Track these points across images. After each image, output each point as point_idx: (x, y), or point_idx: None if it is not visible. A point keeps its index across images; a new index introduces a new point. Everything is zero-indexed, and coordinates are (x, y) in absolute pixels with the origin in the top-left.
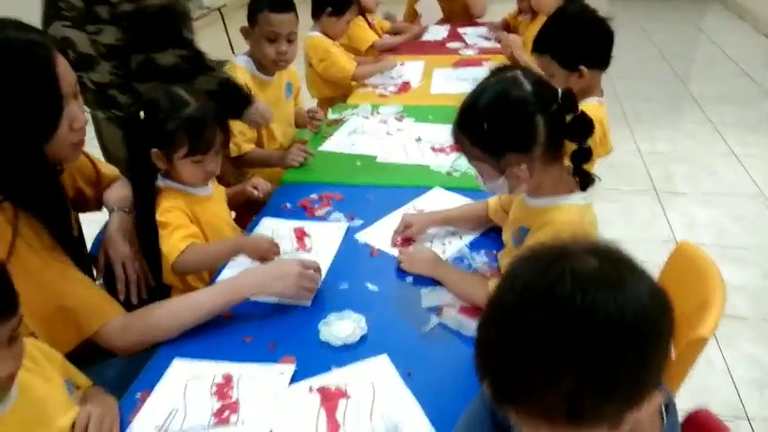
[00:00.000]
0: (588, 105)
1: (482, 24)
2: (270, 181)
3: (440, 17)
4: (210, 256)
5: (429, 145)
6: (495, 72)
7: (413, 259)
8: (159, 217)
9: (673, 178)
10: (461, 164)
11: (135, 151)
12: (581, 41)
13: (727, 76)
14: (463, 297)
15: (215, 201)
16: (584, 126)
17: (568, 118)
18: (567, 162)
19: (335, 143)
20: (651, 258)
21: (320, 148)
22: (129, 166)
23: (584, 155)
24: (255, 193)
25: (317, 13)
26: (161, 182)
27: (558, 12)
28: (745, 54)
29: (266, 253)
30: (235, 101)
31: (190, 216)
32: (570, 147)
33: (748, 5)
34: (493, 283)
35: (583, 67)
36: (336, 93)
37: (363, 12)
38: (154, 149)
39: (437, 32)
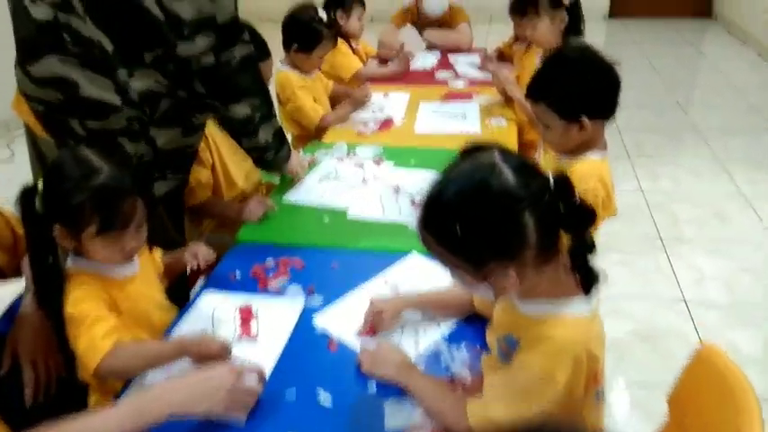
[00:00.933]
0: (589, 161)
1: (476, 51)
2: (223, 241)
3: (423, 47)
4: (145, 359)
5: (408, 196)
6: (467, 153)
7: (375, 360)
8: (70, 309)
9: (678, 223)
10: None
11: (33, 228)
12: (582, 89)
13: (730, 105)
14: (433, 415)
15: (141, 280)
16: (584, 216)
17: (563, 207)
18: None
19: (304, 191)
20: (659, 324)
21: (286, 197)
22: (27, 246)
23: (585, 249)
24: (194, 263)
25: (287, 44)
26: (71, 262)
27: (556, 54)
28: (749, 82)
29: (215, 358)
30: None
31: (108, 303)
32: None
33: (751, 30)
34: (472, 408)
35: (584, 118)
36: (311, 130)
37: (347, 37)
38: (57, 226)
39: (425, 59)
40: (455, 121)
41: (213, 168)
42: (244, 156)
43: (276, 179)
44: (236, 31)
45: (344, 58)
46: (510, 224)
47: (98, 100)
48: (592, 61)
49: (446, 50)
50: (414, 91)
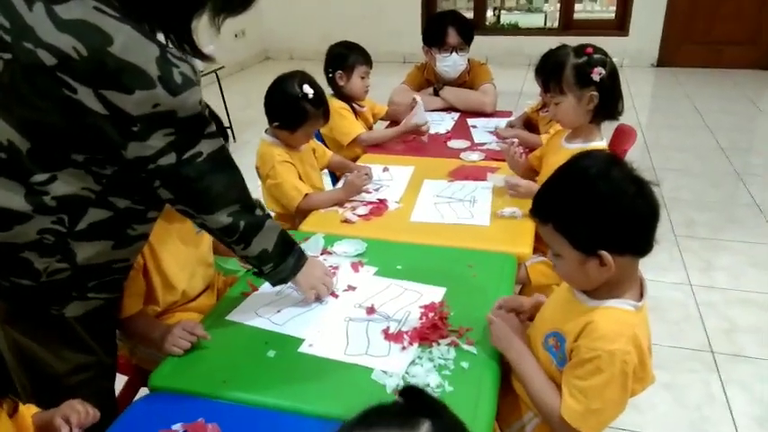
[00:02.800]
0: (616, 313)
1: (500, 114)
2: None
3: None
4: None
5: (382, 324)
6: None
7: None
8: None
9: (736, 340)
10: (418, 373)
11: None
12: (599, 221)
13: None
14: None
15: None
16: None
17: None
18: None
19: (251, 309)
20: None
21: (229, 318)
22: None
23: None
24: (66, 429)
25: (269, 117)
26: None
27: (570, 165)
28: None
29: None
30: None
31: None
32: None
33: None
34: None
35: (605, 254)
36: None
37: (349, 98)
38: None
39: (441, 122)
40: (460, 208)
41: (145, 270)
42: (195, 243)
43: (241, 270)
44: (201, 123)
45: (343, 122)
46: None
47: None
48: (617, 184)
49: (465, 113)
50: (419, 164)
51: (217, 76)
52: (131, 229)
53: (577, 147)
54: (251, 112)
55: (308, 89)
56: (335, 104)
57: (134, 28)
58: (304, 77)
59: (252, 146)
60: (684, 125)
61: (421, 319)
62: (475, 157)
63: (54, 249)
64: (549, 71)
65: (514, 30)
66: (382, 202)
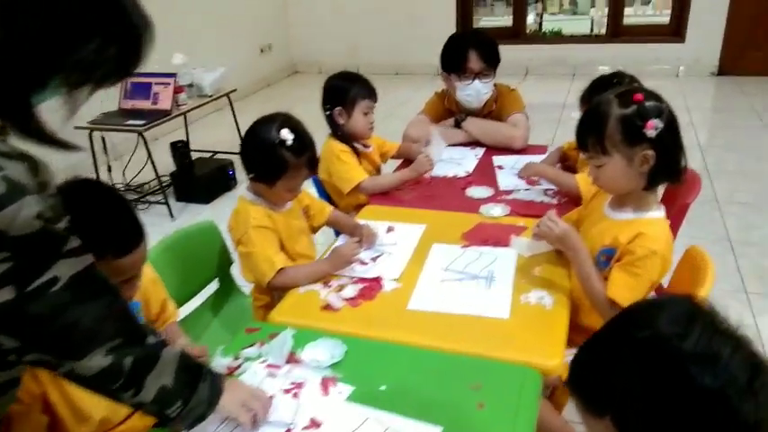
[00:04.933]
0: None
1: (532, 151)
2: None
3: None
4: None
5: None
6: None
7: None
8: None
9: None
10: None
11: None
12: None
13: None
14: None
15: None
16: None
17: None
18: None
19: None
20: None
21: None
22: None
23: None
24: None
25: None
26: None
27: (612, 338)
28: None
29: None
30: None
31: None
32: None
33: None
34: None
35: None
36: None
37: (350, 139)
38: None
39: (462, 160)
40: (474, 289)
41: (47, 404)
42: None
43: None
44: (50, 240)
45: (342, 167)
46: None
47: None
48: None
49: (492, 149)
50: (432, 220)
51: (229, 100)
52: None
53: (626, 218)
54: None
55: (286, 134)
56: (334, 147)
57: None
58: (285, 120)
59: None
60: (752, 145)
61: None
62: (498, 211)
63: None
64: (587, 125)
65: (557, 38)
66: (377, 280)
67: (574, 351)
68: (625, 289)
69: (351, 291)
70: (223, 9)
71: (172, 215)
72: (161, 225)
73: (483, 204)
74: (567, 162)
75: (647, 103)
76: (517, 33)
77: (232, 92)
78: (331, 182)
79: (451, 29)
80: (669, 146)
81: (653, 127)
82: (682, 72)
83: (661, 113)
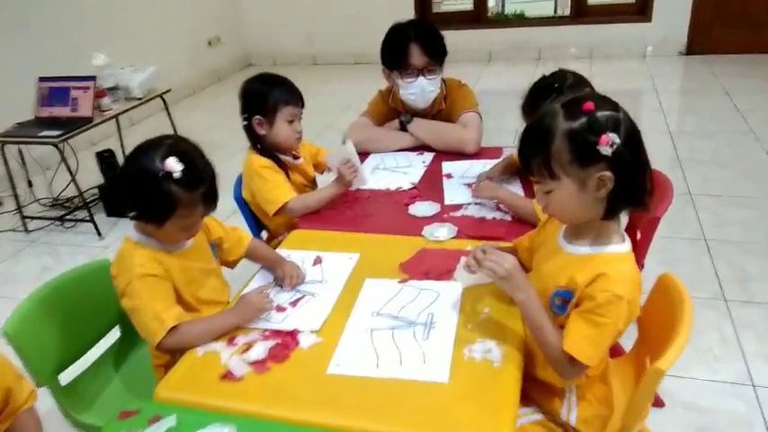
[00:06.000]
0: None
1: (486, 154)
2: None
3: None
4: None
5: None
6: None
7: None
8: None
9: None
10: None
11: None
12: None
13: None
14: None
15: None
16: None
17: None
18: None
19: None
20: None
21: None
22: None
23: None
24: None
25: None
26: None
27: None
28: None
29: None
30: None
31: None
32: None
33: None
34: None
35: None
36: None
37: (273, 151)
38: None
39: (408, 168)
40: (408, 343)
41: None
42: None
43: None
44: None
45: (264, 186)
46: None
47: None
48: None
49: (442, 153)
50: (368, 246)
51: (164, 102)
52: None
53: (584, 252)
54: (221, 133)
55: (173, 164)
56: (255, 162)
57: None
58: (172, 146)
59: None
60: (724, 129)
61: None
62: (443, 233)
63: None
64: (529, 143)
65: (520, 20)
66: (292, 335)
67: (529, 410)
68: (585, 342)
69: (260, 351)
70: (160, 1)
71: (99, 233)
72: (87, 245)
73: (427, 225)
74: (516, 172)
75: (600, 114)
76: (478, 17)
77: (166, 92)
78: (256, 202)
79: (411, 14)
80: (630, 164)
81: (608, 143)
82: (649, 52)
83: (618, 125)
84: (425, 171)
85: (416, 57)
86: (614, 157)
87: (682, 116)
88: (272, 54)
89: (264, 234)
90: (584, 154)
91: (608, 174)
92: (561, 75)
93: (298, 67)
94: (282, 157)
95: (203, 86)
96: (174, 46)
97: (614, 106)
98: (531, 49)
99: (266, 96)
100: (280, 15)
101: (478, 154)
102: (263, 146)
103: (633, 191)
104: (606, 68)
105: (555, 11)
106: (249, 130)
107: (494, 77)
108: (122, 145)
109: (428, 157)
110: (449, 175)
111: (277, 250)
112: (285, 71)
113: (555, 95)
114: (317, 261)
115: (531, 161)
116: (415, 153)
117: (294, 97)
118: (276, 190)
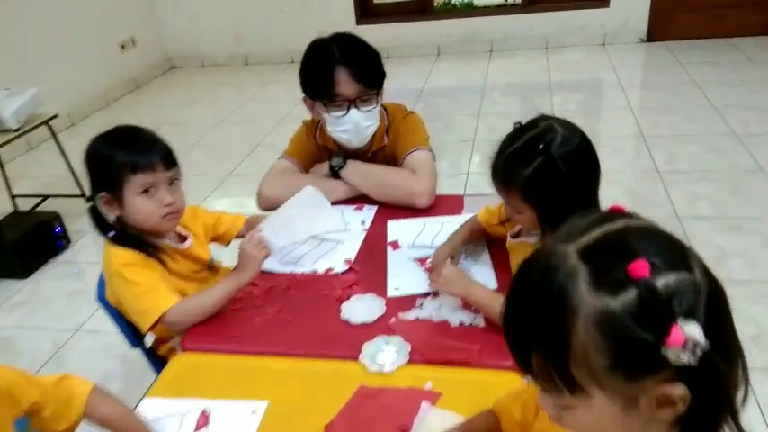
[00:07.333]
0: None
1: (443, 208)
2: None
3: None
4: None
5: None
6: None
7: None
8: None
9: None
10: None
11: None
12: None
13: None
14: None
15: None
16: None
17: None
18: None
19: None
20: None
21: None
22: None
23: None
24: None
25: None
26: None
27: None
28: None
29: None
30: None
31: None
32: None
33: None
34: None
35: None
36: None
37: (144, 234)
38: None
39: (346, 231)
40: None
41: None
42: None
43: None
44: None
45: (129, 292)
46: None
47: None
48: None
49: (385, 206)
50: (277, 389)
51: (51, 130)
52: None
53: None
54: None
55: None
56: (114, 258)
57: None
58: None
59: None
60: (687, 110)
61: None
62: (390, 358)
63: None
64: (521, 324)
65: (469, 10)
66: None
67: None
68: None
69: None
70: (55, 3)
71: None
72: None
73: (367, 342)
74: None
75: (662, 280)
76: (424, 9)
77: (52, 119)
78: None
79: (348, 8)
80: (718, 371)
81: (682, 343)
82: (608, 41)
83: (696, 302)
84: (365, 237)
85: (345, 84)
86: (691, 368)
87: (644, 101)
88: (197, 55)
89: (149, 339)
90: (637, 358)
91: (680, 389)
92: (547, 128)
93: (228, 69)
94: (157, 241)
95: (117, 96)
96: (76, 54)
97: (682, 254)
98: (483, 42)
99: (108, 163)
100: (201, 10)
101: (433, 208)
102: (120, 233)
103: (719, 410)
104: (564, 59)
105: None
106: (95, 213)
107: (443, 75)
108: (8, 183)
109: (369, 214)
110: (395, 244)
111: (141, 418)
112: (214, 73)
113: (542, 157)
114: (202, 422)
115: (529, 358)
116: (352, 207)
117: (147, 157)
118: (147, 296)
